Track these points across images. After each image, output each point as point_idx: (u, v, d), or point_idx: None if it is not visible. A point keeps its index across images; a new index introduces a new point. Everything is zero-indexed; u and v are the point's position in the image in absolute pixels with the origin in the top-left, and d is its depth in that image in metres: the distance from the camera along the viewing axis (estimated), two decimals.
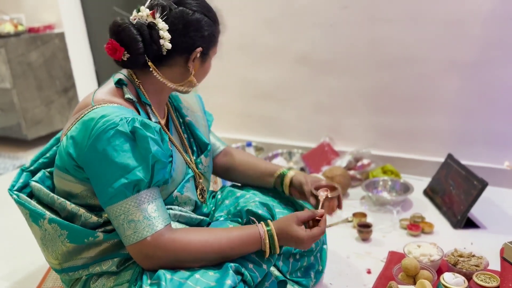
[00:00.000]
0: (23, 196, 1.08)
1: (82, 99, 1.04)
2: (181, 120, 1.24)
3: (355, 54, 2.14)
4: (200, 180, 1.21)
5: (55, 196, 1.04)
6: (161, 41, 0.99)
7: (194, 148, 1.24)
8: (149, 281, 0.92)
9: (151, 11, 1.00)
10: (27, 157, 2.97)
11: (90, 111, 0.95)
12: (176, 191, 1.08)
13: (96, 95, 1.01)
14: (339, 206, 1.31)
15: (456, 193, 1.75)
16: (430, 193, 1.93)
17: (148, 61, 1.01)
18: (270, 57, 2.38)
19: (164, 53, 1.01)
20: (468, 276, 1.25)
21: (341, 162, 2.13)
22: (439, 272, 1.33)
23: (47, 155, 1.18)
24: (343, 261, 1.51)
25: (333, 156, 2.24)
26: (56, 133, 3.22)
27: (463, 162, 1.87)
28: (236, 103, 2.61)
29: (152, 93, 1.07)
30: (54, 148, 1.17)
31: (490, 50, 1.85)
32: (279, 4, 2.25)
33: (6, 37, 2.96)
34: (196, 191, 1.19)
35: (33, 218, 1.04)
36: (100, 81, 3.49)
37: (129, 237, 0.92)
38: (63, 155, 0.98)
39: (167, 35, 0.99)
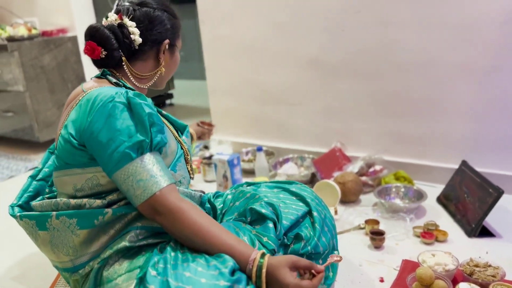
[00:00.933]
0: (25, 212, 1.14)
1: (70, 94, 1.14)
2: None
3: (366, 58, 2.12)
4: (188, 157, 1.27)
5: (58, 199, 1.07)
6: (132, 36, 1.12)
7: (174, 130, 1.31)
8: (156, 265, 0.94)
9: (118, 15, 1.15)
10: (39, 159, 2.99)
11: (84, 95, 1.04)
12: (169, 169, 1.11)
13: (85, 85, 1.11)
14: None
15: (471, 200, 1.72)
16: (443, 200, 1.90)
17: (122, 56, 1.13)
18: (281, 61, 2.37)
19: (136, 47, 1.14)
20: (484, 287, 1.22)
21: (353, 168, 2.11)
22: (454, 282, 1.30)
23: (30, 189, 1.27)
24: (355, 268, 1.49)
25: (345, 161, 2.22)
26: None
27: (478, 169, 1.84)
28: (247, 107, 2.60)
29: (133, 85, 1.18)
30: (34, 182, 1.28)
31: (504, 54, 1.82)
32: (290, 8, 2.24)
33: (20, 40, 3.00)
34: (187, 167, 1.24)
35: (40, 224, 1.07)
36: None
37: (139, 196, 0.97)
38: (63, 145, 1.03)
39: (136, 31, 1.13)
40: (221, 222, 1.26)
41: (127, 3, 1.15)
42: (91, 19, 3.30)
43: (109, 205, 1.05)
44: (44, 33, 3.22)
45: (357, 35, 2.10)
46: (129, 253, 1.04)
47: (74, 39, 3.19)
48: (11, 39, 3.00)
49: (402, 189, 1.95)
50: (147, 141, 0.99)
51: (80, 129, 1.00)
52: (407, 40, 1.99)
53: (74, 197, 1.07)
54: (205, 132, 1.80)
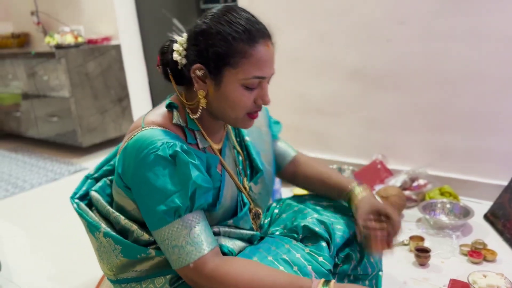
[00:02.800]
0: (83, 205, 1.11)
1: (136, 119, 1.04)
2: (239, 139, 1.20)
3: (411, 70, 2.08)
4: (251, 207, 1.15)
5: (111, 209, 1.06)
6: (174, 54, 0.98)
7: (248, 172, 1.18)
8: None
9: None
10: (81, 163, 3.08)
11: (138, 132, 0.96)
12: (231, 221, 1.07)
13: (147, 117, 1.01)
14: (388, 244, 1.10)
15: None
16: (491, 218, 1.83)
17: (170, 73, 1.02)
18: (323, 71, 2.36)
19: (179, 67, 0.99)
20: None
21: (395, 181, 2.06)
22: None
23: (111, 162, 1.21)
24: (399, 286, 1.45)
25: (386, 174, 2.17)
26: (110, 141, 3.37)
27: None
28: (286, 116, 2.59)
29: (204, 117, 1.03)
30: None
31: None
32: (334, 18, 2.23)
33: (67, 48, 3.10)
34: (250, 218, 1.14)
35: (90, 229, 1.08)
36: (153, 92, 3.58)
37: (174, 262, 0.92)
38: (115, 172, 1.00)
39: (177, 47, 0.98)
40: (266, 234, 1.23)
41: (203, 17, 0.97)
42: (134, 29, 3.39)
43: (155, 241, 0.99)
44: (89, 41, 3.32)
45: (402, 46, 2.07)
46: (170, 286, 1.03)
47: (117, 47, 3.28)
48: (59, 46, 3.11)
49: (448, 205, 1.89)
50: (183, 207, 0.90)
51: (125, 175, 0.96)
52: (454, 52, 1.94)
53: (127, 212, 1.04)
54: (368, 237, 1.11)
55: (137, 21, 3.40)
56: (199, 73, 0.95)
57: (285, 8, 2.38)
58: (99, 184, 1.16)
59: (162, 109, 1.03)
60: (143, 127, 0.97)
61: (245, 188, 1.14)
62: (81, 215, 1.09)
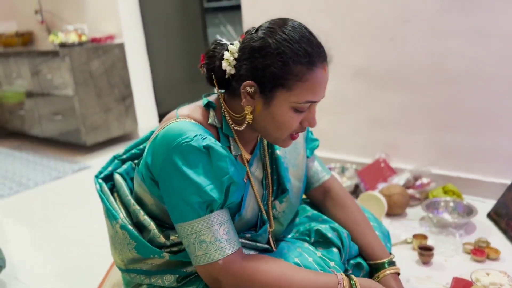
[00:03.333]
0: (105, 188, 1.11)
1: (170, 112, 1.02)
2: (270, 151, 1.13)
3: (415, 69, 2.08)
4: (270, 230, 1.11)
5: (132, 200, 1.05)
6: (224, 63, 0.93)
7: (275, 187, 1.12)
8: None
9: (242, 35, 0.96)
10: (85, 161, 3.09)
11: (172, 122, 0.94)
12: (250, 237, 1.05)
13: (182, 110, 0.99)
14: None
15: None
16: (494, 216, 1.83)
17: (214, 79, 0.97)
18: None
19: (227, 76, 0.95)
20: None
21: (399, 180, 2.06)
22: None
23: (141, 146, 1.20)
24: (402, 284, 1.45)
25: (390, 173, 2.17)
26: (113, 139, 3.38)
27: None
28: None
29: (238, 122, 0.99)
30: None
31: None
32: (336, 17, 2.23)
33: (71, 46, 3.11)
34: (268, 236, 1.11)
35: (108, 216, 1.07)
36: (156, 91, 3.59)
37: (199, 258, 0.90)
38: (143, 162, 0.99)
39: (227, 56, 0.92)
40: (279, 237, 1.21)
41: (260, 30, 0.93)
42: (138, 27, 3.40)
43: (171, 245, 1.00)
44: (93, 40, 3.33)
45: (406, 44, 2.06)
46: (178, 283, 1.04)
47: (121, 46, 3.28)
48: (62, 45, 3.13)
49: (451, 204, 1.88)
50: (219, 201, 0.89)
51: (155, 164, 0.93)
52: (458, 51, 1.94)
53: (146, 206, 1.04)
54: None
55: (140, 20, 3.41)
56: (249, 89, 0.90)
57: (288, 6, 2.38)
58: (125, 166, 1.16)
59: (198, 105, 1.01)
60: (177, 118, 0.95)
61: (267, 205, 1.10)
62: (102, 198, 1.08)
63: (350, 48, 2.24)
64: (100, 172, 1.16)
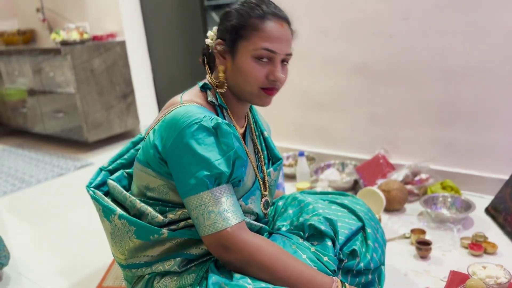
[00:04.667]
0: (98, 193, 1.15)
1: (170, 100, 1.11)
2: (258, 133, 1.26)
3: (414, 65, 2.09)
4: (265, 193, 1.20)
5: (127, 194, 1.10)
6: (207, 40, 1.11)
7: (266, 161, 1.25)
8: None
9: None
10: (87, 159, 3.11)
11: (177, 107, 1.02)
12: (241, 200, 1.09)
13: (184, 95, 1.09)
14: None
15: None
16: (492, 211, 1.85)
17: (204, 57, 1.13)
18: (326, 66, 2.38)
19: (210, 50, 1.11)
20: None
21: (398, 176, 2.08)
22: None
23: (125, 156, 1.25)
24: (400, 278, 1.47)
25: (389, 169, 2.19)
26: (115, 136, 3.40)
27: None
28: (290, 112, 2.62)
29: (229, 98, 1.11)
30: (132, 150, 1.25)
31: None
32: (337, 14, 2.24)
33: (73, 44, 3.13)
34: (260, 204, 1.19)
35: (105, 213, 1.11)
36: (158, 88, 3.61)
37: (208, 227, 0.95)
38: (148, 148, 1.04)
39: (210, 33, 1.11)
40: (272, 228, 1.25)
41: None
42: (139, 25, 3.41)
43: (169, 223, 1.05)
44: (94, 38, 3.35)
45: (405, 41, 2.08)
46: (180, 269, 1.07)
47: (122, 43, 3.30)
48: (64, 43, 3.14)
49: (449, 199, 1.90)
50: (226, 174, 0.96)
51: (164, 145, 0.99)
52: (457, 47, 1.95)
53: (144, 195, 1.09)
54: None
55: (141, 18, 3.42)
56: (219, 48, 1.05)
57: (288, 3, 2.39)
58: (117, 174, 1.21)
59: (196, 90, 1.11)
60: (181, 103, 1.03)
61: (262, 172, 1.20)
62: (97, 200, 1.12)
63: (350, 45, 2.25)
64: (90, 183, 1.20)
